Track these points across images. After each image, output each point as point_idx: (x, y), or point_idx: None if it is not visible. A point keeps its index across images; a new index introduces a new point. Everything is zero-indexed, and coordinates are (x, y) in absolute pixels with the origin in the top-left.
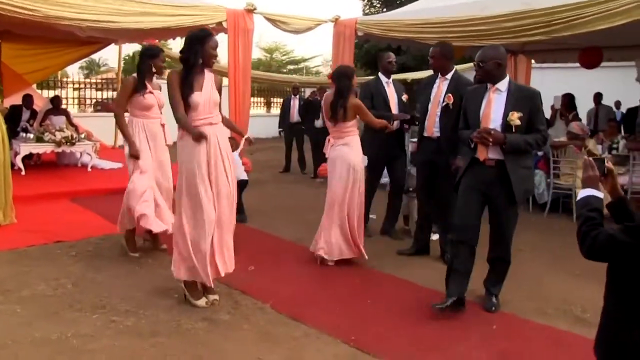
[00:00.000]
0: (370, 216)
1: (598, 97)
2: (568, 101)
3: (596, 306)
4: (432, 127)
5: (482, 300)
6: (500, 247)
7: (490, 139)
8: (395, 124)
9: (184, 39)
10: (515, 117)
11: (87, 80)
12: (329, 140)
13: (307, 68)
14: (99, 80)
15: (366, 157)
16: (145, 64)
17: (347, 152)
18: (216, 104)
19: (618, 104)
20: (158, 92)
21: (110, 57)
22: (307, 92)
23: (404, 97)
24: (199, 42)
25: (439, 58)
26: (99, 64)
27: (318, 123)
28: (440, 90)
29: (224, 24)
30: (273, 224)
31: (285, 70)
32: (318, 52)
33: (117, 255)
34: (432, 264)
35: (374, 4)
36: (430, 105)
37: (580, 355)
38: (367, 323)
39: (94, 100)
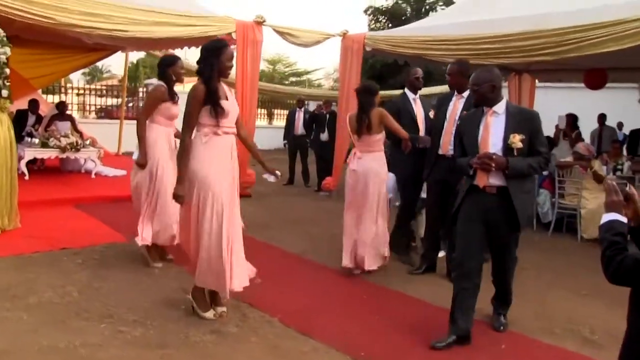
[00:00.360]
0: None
1: (602, 117)
2: (571, 121)
3: (605, 327)
4: (448, 145)
5: (490, 319)
6: (503, 276)
7: (493, 164)
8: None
9: (199, 49)
10: (517, 140)
11: (90, 86)
12: (354, 153)
13: (310, 80)
14: (102, 87)
15: (393, 175)
16: (165, 73)
17: (374, 166)
18: (237, 115)
19: (620, 125)
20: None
21: (114, 63)
22: (311, 105)
23: (431, 114)
24: (214, 53)
25: (456, 75)
26: (102, 71)
27: (323, 136)
28: (456, 108)
29: (233, 35)
30: (278, 237)
31: (287, 82)
32: (320, 65)
33: (123, 264)
34: (438, 281)
35: (380, 19)
36: (446, 123)
37: None
38: (375, 339)
39: (96, 107)
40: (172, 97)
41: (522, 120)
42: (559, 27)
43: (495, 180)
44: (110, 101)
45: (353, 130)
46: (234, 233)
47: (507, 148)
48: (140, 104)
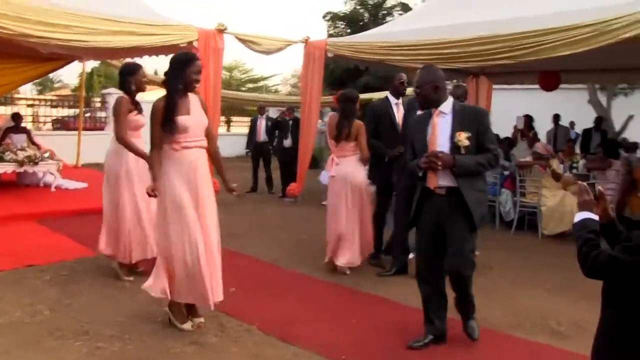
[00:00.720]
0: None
1: (556, 118)
2: (528, 122)
3: (570, 319)
4: None
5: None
6: (461, 282)
7: (439, 162)
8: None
9: (168, 59)
10: (462, 138)
11: (42, 97)
12: (332, 159)
13: (267, 86)
14: (54, 97)
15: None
16: (127, 82)
17: (351, 171)
18: (204, 128)
19: (572, 125)
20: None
21: (65, 73)
22: (271, 112)
23: None
24: (181, 65)
25: None
26: (53, 81)
27: (287, 142)
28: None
29: (195, 44)
30: (247, 245)
31: (244, 89)
32: (277, 71)
33: (93, 279)
34: (410, 282)
35: (338, 25)
36: None
37: None
38: (354, 342)
39: (49, 118)
40: (135, 106)
41: (468, 118)
42: (515, 32)
43: (445, 182)
44: (64, 112)
45: (331, 137)
46: (209, 244)
47: (455, 147)
48: (99, 115)
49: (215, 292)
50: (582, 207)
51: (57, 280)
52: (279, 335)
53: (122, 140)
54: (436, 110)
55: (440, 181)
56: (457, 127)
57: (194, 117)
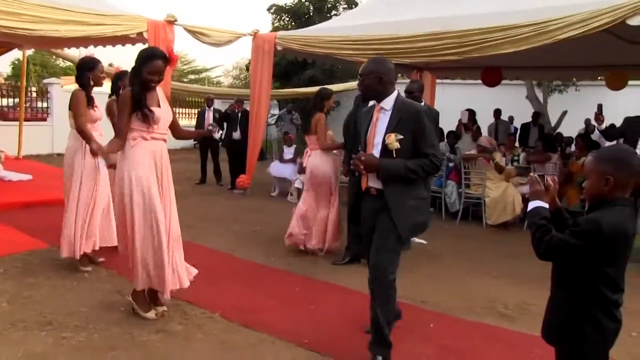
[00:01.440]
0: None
1: (497, 112)
2: (472, 116)
3: (515, 302)
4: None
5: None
6: (377, 305)
7: (362, 166)
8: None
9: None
10: (392, 140)
11: None
12: (307, 151)
13: (209, 78)
14: None
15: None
16: (84, 77)
17: (316, 163)
18: (169, 122)
19: (511, 119)
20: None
21: None
22: (217, 104)
23: None
24: (141, 62)
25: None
26: None
27: (236, 135)
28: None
29: (145, 35)
30: (202, 236)
31: (186, 80)
32: (219, 62)
33: (50, 270)
34: (363, 270)
35: (283, 17)
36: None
37: (510, 346)
38: (315, 327)
39: None
40: (89, 102)
41: (407, 117)
42: (460, 29)
43: (374, 184)
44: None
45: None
46: (171, 231)
47: (385, 148)
48: (39, 105)
49: (181, 278)
50: (534, 196)
51: (12, 272)
52: (242, 322)
53: (80, 130)
54: (377, 105)
55: (370, 182)
56: (391, 127)
57: (164, 110)
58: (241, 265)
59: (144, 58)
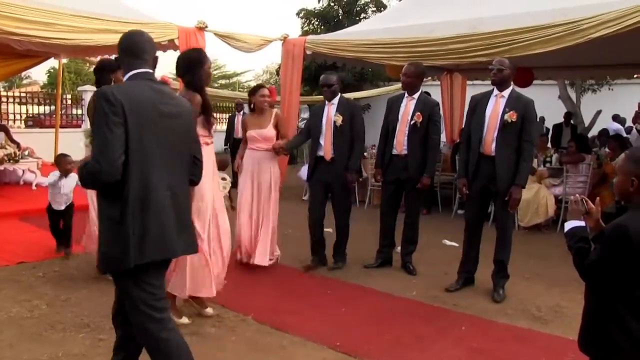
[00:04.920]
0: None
1: None
2: None
3: (548, 305)
4: (401, 145)
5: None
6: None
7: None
8: None
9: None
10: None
11: (9, 93)
12: None
13: (239, 82)
14: (22, 94)
15: None
16: (105, 78)
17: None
18: None
19: (543, 119)
20: None
21: (34, 69)
22: (246, 108)
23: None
24: (198, 63)
25: (412, 76)
26: (21, 77)
27: None
28: (408, 108)
29: (176, 42)
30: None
31: (217, 85)
32: (249, 67)
33: (86, 274)
34: (394, 274)
35: (312, 22)
36: (398, 124)
37: (543, 349)
38: (346, 329)
39: (25, 116)
40: None
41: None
42: (490, 30)
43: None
44: (34, 109)
45: None
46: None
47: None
48: (74, 112)
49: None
50: (571, 215)
51: (50, 276)
52: (274, 324)
53: None
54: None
55: None
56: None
57: None
58: (273, 268)
59: (201, 58)
